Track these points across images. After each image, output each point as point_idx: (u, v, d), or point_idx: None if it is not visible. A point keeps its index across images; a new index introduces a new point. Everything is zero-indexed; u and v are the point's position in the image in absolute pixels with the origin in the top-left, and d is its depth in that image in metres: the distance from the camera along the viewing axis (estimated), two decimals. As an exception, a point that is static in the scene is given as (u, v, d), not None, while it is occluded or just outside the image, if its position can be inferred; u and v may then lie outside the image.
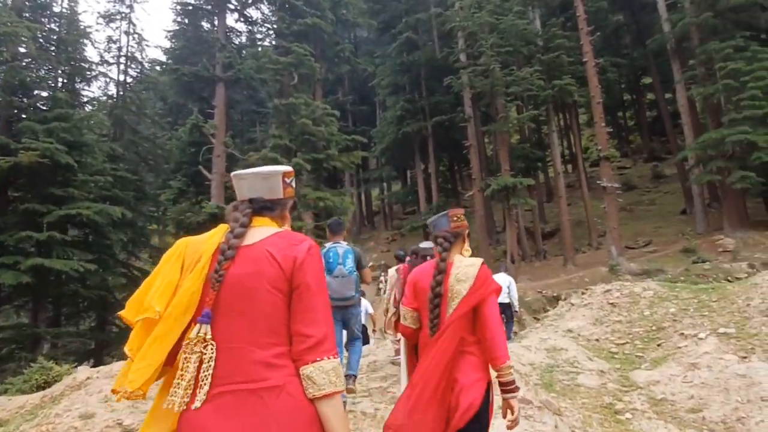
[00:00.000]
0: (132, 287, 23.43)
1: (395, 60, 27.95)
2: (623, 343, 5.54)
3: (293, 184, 1.60)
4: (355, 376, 4.58)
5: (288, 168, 1.61)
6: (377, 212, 44.64)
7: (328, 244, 4.70)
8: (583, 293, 7.36)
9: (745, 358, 4.22)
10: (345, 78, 36.90)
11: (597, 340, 5.76)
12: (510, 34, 23.49)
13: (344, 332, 4.72)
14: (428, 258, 4.44)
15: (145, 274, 23.96)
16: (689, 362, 4.29)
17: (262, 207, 1.48)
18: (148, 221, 25.76)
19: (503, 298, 6.88)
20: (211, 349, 1.27)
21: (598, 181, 24.31)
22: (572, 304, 7.10)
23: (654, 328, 5.65)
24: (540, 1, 27.79)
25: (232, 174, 1.58)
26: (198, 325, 1.29)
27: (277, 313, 1.29)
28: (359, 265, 4.60)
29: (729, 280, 20.37)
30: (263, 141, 23.33)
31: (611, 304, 6.60)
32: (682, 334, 5.09)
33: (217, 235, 1.43)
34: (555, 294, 21.19)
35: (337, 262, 4.44)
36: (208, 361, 1.26)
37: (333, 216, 22.17)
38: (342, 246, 4.59)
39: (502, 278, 7.36)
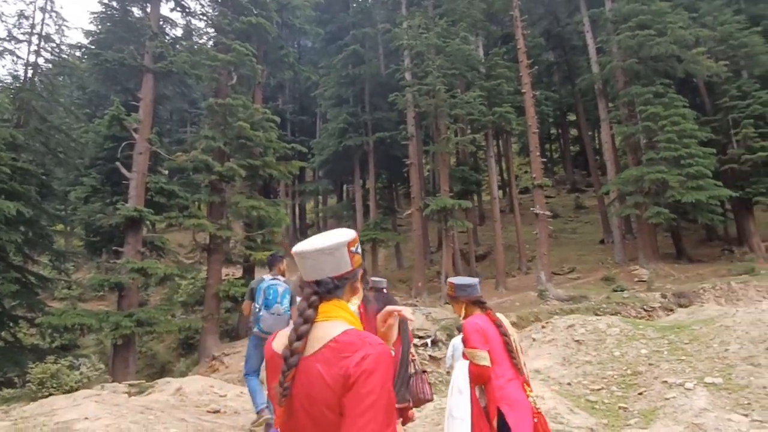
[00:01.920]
0: (26, 295, 20.28)
1: (340, 72, 27.17)
2: (599, 389, 4.95)
3: (359, 250, 1.48)
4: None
5: (352, 234, 1.45)
6: (311, 225, 43.15)
7: (267, 278, 4.86)
8: (543, 327, 6.80)
9: (746, 416, 3.74)
10: (287, 85, 35.54)
11: (569, 384, 5.13)
12: (456, 57, 23.59)
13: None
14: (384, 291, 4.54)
15: (42, 280, 20.86)
16: (689, 421, 3.74)
17: (329, 290, 1.33)
18: (53, 221, 22.63)
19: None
20: None
21: (531, 209, 24.81)
22: (533, 339, 6.50)
23: (629, 371, 5.12)
24: (483, 30, 28.45)
25: (294, 251, 1.40)
26: None
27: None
28: (292, 302, 4.76)
29: (645, 310, 21.46)
30: (194, 143, 21.41)
31: (577, 341, 6.05)
32: (665, 382, 4.58)
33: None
34: (487, 317, 21.04)
35: (276, 300, 4.66)
36: None
37: (265, 227, 20.70)
38: (281, 284, 4.79)
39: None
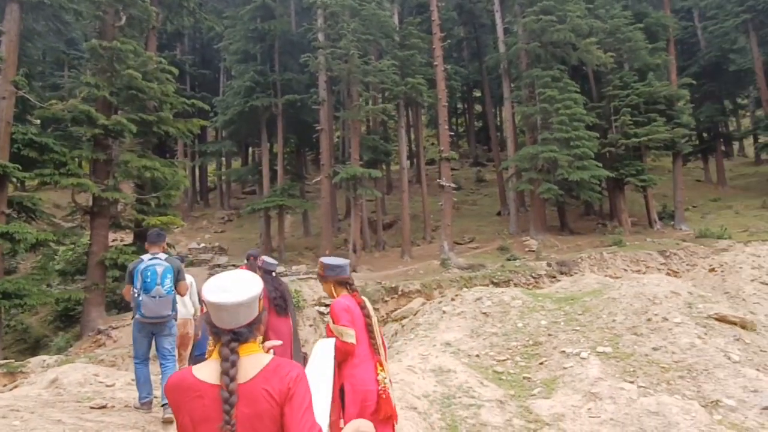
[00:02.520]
0: None
1: (247, 25, 25.19)
2: (504, 360, 5.18)
3: (262, 294, 1.57)
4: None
5: (261, 284, 1.57)
6: (213, 189, 40.61)
7: (146, 258, 4.48)
8: (453, 299, 6.98)
9: (633, 383, 4.12)
10: (186, 34, 32.33)
11: (477, 355, 5.31)
12: (371, 23, 23.00)
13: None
14: (273, 274, 4.75)
15: None
16: (586, 390, 4.03)
17: (246, 337, 1.49)
18: None
19: None
20: None
21: (438, 180, 25.55)
22: (443, 312, 6.65)
23: (531, 342, 5.43)
24: (399, -3, 28.04)
25: (210, 302, 1.47)
26: None
27: None
28: (177, 278, 4.53)
29: (533, 277, 23.45)
30: (72, 90, 18.69)
31: (484, 313, 6.29)
32: (563, 352, 4.92)
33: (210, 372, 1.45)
34: (393, 285, 21.68)
35: (155, 282, 4.31)
36: None
37: (160, 189, 18.92)
38: (161, 263, 4.44)
39: None
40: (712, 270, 15.76)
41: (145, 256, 4.51)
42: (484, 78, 34.82)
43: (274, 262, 4.86)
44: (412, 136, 36.99)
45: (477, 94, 46.74)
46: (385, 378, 2.96)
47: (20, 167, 14.66)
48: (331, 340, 2.86)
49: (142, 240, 19.63)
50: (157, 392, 4.46)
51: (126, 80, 17.42)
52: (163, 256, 4.62)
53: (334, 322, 2.99)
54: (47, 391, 4.27)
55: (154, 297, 4.24)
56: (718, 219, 29.96)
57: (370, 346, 3.00)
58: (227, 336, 1.45)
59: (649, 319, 5.04)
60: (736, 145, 44.51)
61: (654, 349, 4.62)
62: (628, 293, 5.74)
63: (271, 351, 1.82)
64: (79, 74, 21.06)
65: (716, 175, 36.33)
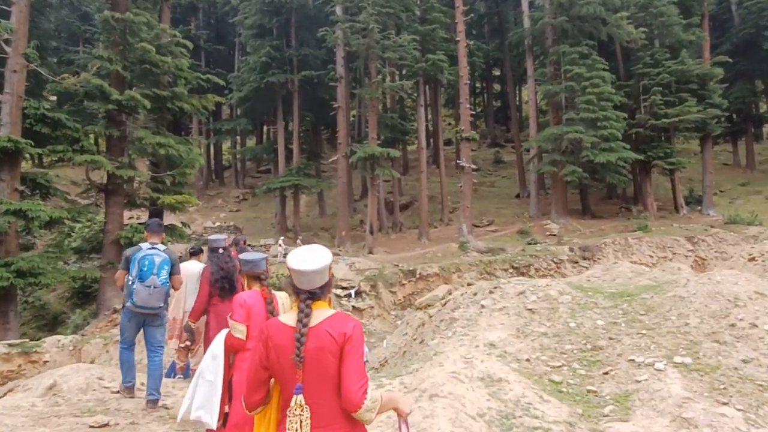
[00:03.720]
0: None
1: (263, -2, 24.22)
2: (559, 366, 4.51)
3: (332, 263, 1.95)
4: (157, 400, 4.25)
5: (331, 255, 1.95)
6: (227, 167, 40.15)
7: (144, 246, 4.38)
8: (491, 292, 6.30)
9: (726, 404, 3.43)
10: (200, 8, 31.42)
11: (528, 360, 4.65)
12: (391, -5, 21.88)
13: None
14: (221, 251, 4.49)
15: None
16: (673, 413, 3.35)
17: (318, 297, 1.88)
18: None
19: None
20: (307, 411, 1.78)
21: (457, 161, 24.66)
22: (483, 306, 5.97)
23: (588, 346, 4.74)
24: (420, -30, 26.68)
25: (293, 268, 1.88)
26: (295, 396, 1.78)
27: (337, 374, 1.79)
28: (172, 272, 4.41)
29: (555, 262, 22.63)
30: (86, 65, 18.10)
31: (529, 310, 5.61)
32: (632, 360, 4.23)
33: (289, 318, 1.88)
34: (411, 268, 21.06)
35: (152, 271, 4.23)
36: (306, 420, 1.78)
37: (175, 167, 18.38)
38: (159, 254, 4.36)
39: None
40: (752, 259, 14.83)
41: (144, 245, 4.39)
42: (506, 55, 33.42)
43: (221, 237, 4.63)
44: (430, 116, 35.89)
45: (496, 73, 45.19)
46: None
47: (32, 143, 14.18)
48: (224, 332, 3.07)
49: (158, 218, 19.24)
50: (144, 379, 4.44)
51: (139, 54, 16.73)
52: (161, 246, 4.46)
53: (230, 317, 3.03)
54: (43, 400, 3.73)
55: (149, 287, 4.16)
56: (747, 204, 28.63)
57: None
58: (305, 294, 1.85)
59: (732, 325, 4.32)
60: (766, 128, 42.53)
61: (744, 361, 3.92)
62: (699, 292, 5.00)
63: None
64: (93, 49, 20.42)
65: (745, 158, 34.75)
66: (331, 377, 1.77)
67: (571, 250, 22.94)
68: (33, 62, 15.18)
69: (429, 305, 10.10)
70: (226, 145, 39.64)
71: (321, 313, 1.84)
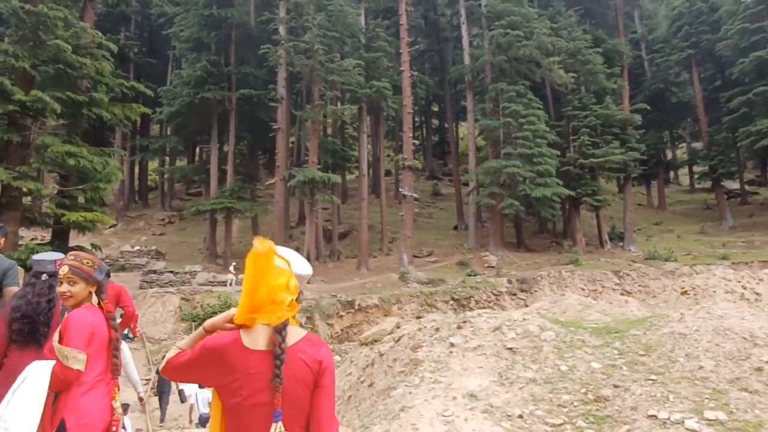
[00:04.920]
0: None
1: (202, 11, 22.72)
2: (560, 425, 3.54)
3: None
4: None
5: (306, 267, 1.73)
6: (153, 188, 36.93)
7: None
8: (459, 327, 5.29)
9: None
10: (132, 19, 29.20)
11: (521, 416, 3.64)
12: (337, 19, 21.35)
13: None
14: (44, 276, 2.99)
15: None
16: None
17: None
18: None
19: None
20: None
21: (400, 189, 24.05)
22: (452, 345, 4.93)
23: (590, 396, 3.82)
24: None
25: (306, 274, 1.69)
26: (274, 423, 1.50)
27: (307, 407, 1.56)
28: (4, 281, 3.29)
29: (495, 294, 22.32)
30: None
31: (509, 349, 4.65)
32: (653, 416, 3.35)
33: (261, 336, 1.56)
34: (350, 299, 19.73)
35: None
36: None
37: (88, 182, 16.04)
38: None
39: None
40: (685, 293, 15.16)
41: None
42: (446, 91, 34.02)
43: (51, 258, 3.08)
44: (370, 146, 35.43)
45: (435, 108, 46.17)
46: (118, 406, 2.45)
47: None
48: (49, 364, 2.27)
49: (62, 239, 16.59)
50: None
51: (53, 52, 14.66)
52: None
53: (61, 341, 2.28)
54: None
55: None
56: (661, 242, 30.45)
57: (109, 367, 2.42)
58: None
59: (758, 369, 3.62)
60: (671, 174, 46.54)
61: (786, 415, 3.19)
62: (702, 328, 4.32)
63: None
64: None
65: (657, 199, 37.43)
66: (302, 410, 1.57)
67: (510, 282, 22.83)
68: None
69: (376, 340, 8.91)
70: (153, 165, 36.57)
71: (294, 331, 1.61)
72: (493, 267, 24.74)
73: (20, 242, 15.81)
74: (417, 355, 5.01)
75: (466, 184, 34.10)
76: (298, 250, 23.85)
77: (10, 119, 14.66)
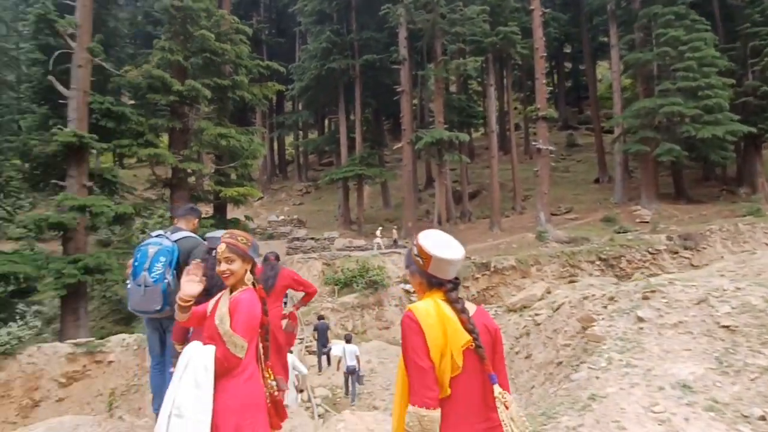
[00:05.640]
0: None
1: (322, -18, 22.98)
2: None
3: None
4: None
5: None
6: (290, 161, 39.83)
7: (154, 234, 3.36)
8: (646, 297, 4.38)
9: None
10: (261, 3, 30.92)
11: (764, 418, 2.73)
12: (457, -36, 19.79)
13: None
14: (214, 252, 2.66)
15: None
16: None
17: (459, 285, 1.80)
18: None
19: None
20: (509, 396, 1.69)
21: (533, 143, 22.18)
22: (640, 320, 4.08)
23: None
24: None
25: (441, 257, 1.70)
26: (495, 385, 1.65)
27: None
28: (179, 265, 3.16)
29: (651, 253, 19.64)
30: (148, 56, 17.69)
31: (725, 327, 3.67)
32: None
33: (441, 308, 1.69)
34: (484, 261, 19.05)
35: (143, 266, 3.15)
36: (511, 403, 1.66)
37: (238, 159, 17.59)
38: (157, 243, 3.21)
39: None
40: None
41: (156, 233, 3.38)
42: (582, 27, 30.09)
43: (220, 235, 2.97)
44: (502, 97, 33.20)
45: (566, 50, 41.51)
46: (272, 381, 2.40)
47: (97, 137, 13.75)
48: (210, 349, 2.16)
49: (221, 212, 18.61)
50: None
51: (199, 42, 15.99)
52: (180, 234, 3.33)
53: (232, 326, 2.15)
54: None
55: (140, 286, 3.17)
56: None
57: (255, 350, 2.30)
58: (450, 284, 1.74)
59: None
60: None
61: None
62: None
63: None
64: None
65: None
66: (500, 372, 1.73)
67: (669, 239, 19.83)
68: (97, 56, 14.79)
69: (525, 307, 8.19)
70: (288, 139, 39.31)
71: (467, 304, 1.75)
72: (646, 222, 21.75)
73: (191, 216, 18.10)
74: (593, 330, 4.26)
75: (609, 131, 30.34)
76: (427, 213, 23.66)
77: (171, 109, 16.53)
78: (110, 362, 11.13)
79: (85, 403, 10.62)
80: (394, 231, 20.22)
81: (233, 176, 17.84)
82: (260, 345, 2.38)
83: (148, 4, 22.26)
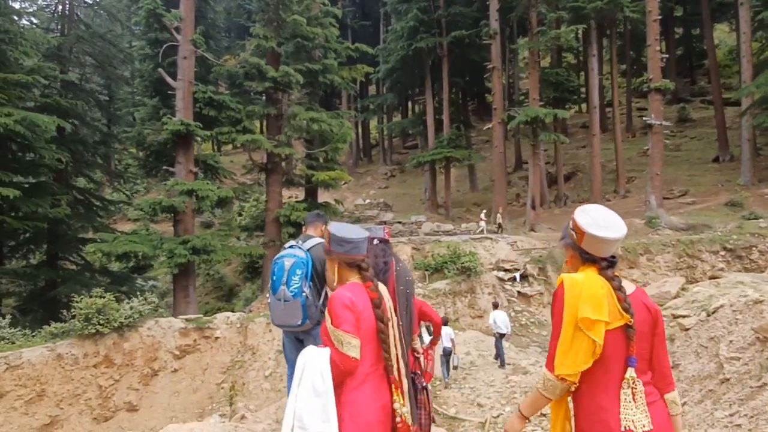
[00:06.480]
0: (89, 217, 19.12)
1: (409, -42, 22.17)
2: None
3: None
4: None
5: None
6: (375, 145, 39.91)
7: (287, 245, 3.15)
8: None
9: None
10: (346, -14, 30.83)
11: None
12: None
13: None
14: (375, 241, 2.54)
15: (104, 202, 19.51)
16: None
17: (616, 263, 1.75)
18: (116, 140, 20.70)
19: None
20: (640, 384, 1.64)
21: (645, 118, 19.88)
22: None
23: None
24: None
25: (598, 235, 1.66)
26: (630, 368, 1.63)
27: (648, 354, 1.69)
28: (314, 278, 3.01)
29: (792, 242, 16.88)
30: (245, 46, 18.22)
31: None
32: None
33: (600, 284, 1.66)
34: (586, 248, 17.38)
35: (281, 281, 2.95)
36: (640, 393, 1.64)
37: (328, 143, 17.66)
38: (292, 255, 3.02)
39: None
40: None
41: (292, 242, 3.17)
42: (700, -15, 26.31)
43: (378, 227, 2.88)
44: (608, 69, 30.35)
45: (677, 14, 36.85)
46: (404, 408, 2.02)
47: (201, 125, 14.43)
48: (326, 351, 1.95)
49: (313, 196, 18.91)
50: None
51: (291, 28, 16.11)
52: (311, 242, 3.09)
53: (332, 323, 1.94)
54: None
55: (280, 300, 2.99)
56: None
57: (378, 360, 2.00)
58: (605, 262, 1.69)
59: None
60: None
61: None
62: None
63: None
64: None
65: None
66: (644, 356, 1.67)
67: (816, 226, 16.83)
68: (200, 48, 15.45)
69: (659, 305, 7.07)
70: (372, 123, 39.31)
71: (625, 283, 1.71)
72: (784, 207, 18.66)
73: (283, 201, 18.58)
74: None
75: (732, 103, 26.55)
76: (517, 197, 22.22)
77: (266, 95, 16.93)
78: (216, 338, 11.76)
79: (196, 375, 11.35)
80: (499, 215, 19.29)
81: (321, 160, 18.00)
82: (381, 352, 2.04)
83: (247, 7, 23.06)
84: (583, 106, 35.62)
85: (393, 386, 2.04)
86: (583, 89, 30.97)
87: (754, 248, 16.49)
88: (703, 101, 33.87)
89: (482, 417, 6.33)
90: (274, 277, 2.99)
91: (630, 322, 1.60)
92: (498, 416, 6.35)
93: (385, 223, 22.56)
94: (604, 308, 1.62)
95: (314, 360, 1.99)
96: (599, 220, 1.68)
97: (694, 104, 34.32)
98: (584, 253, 1.71)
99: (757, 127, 20.03)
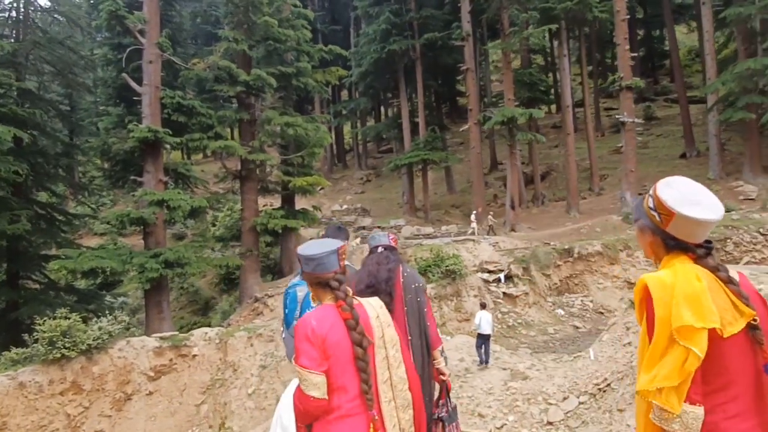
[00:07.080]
0: (51, 233, 17.96)
1: (379, -39, 21.97)
2: None
3: None
4: None
5: None
6: (348, 150, 39.46)
7: (298, 272, 2.54)
8: None
9: None
10: (315, -11, 30.40)
11: None
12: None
13: None
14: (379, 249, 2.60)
15: (67, 216, 18.39)
16: None
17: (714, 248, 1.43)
18: (83, 153, 19.57)
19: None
20: None
21: (617, 115, 20.16)
22: None
23: None
24: None
25: (692, 216, 1.30)
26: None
27: None
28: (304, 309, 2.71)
29: (762, 234, 17.30)
30: (213, 49, 17.53)
31: None
32: None
33: (696, 279, 1.31)
34: (567, 246, 17.58)
35: (294, 314, 2.57)
36: None
37: (303, 149, 17.12)
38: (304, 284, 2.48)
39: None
40: None
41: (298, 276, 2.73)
42: (662, -14, 27.09)
43: (381, 234, 2.81)
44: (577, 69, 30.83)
45: (638, 15, 38.04)
46: None
47: (170, 132, 13.71)
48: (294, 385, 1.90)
49: (290, 203, 18.32)
50: None
51: (263, 30, 15.58)
52: None
53: (294, 360, 1.73)
54: None
55: (293, 336, 2.34)
56: None
57: (360, 392, 1.68)
58: (702, 249, 1.36)
59: None
60: None
61: None
62: None
63: None
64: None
65: None
66: None
67: (783, 217, 17.34)
68: (165, 51, 14.72)
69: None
70: (346, 128, 38.88)
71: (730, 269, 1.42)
72: (752, 199, 19.22)
73: (260, 209, 17.92)
74: None
75: (697, 101, 27.42)
76: (495, 197, 22.10)
77: (238, 100, 16.31)
78: (194, 356, 11.05)
79: (173, 397, 10.63)
80: (490, 217, 19.09)
81: (297, 164, 17.47)
82: (361, 383, 1.72)
83: (209, 0, 22.36)
84: (553, 107, 36.27)
85: (372, 427, 1.67)
86: (553, 90, 31.44)
87: (728, 240, 16.83)
88: (667, 100, 34.93)
89: (485, 429, 5.97)
90: (287, 310, 2.63)
91: (755, 320, 1.27)
92: (501, 427, 6.02)
93: (364, 228, 22.14)
94: (710, 310, 1.25)
95: (288, 393, 1.87)
96: (690, 196, 1.33)
97: (658, 103, 35.35)
98: (671, 238, 1.36)
99: (727, 122, 20.52)
